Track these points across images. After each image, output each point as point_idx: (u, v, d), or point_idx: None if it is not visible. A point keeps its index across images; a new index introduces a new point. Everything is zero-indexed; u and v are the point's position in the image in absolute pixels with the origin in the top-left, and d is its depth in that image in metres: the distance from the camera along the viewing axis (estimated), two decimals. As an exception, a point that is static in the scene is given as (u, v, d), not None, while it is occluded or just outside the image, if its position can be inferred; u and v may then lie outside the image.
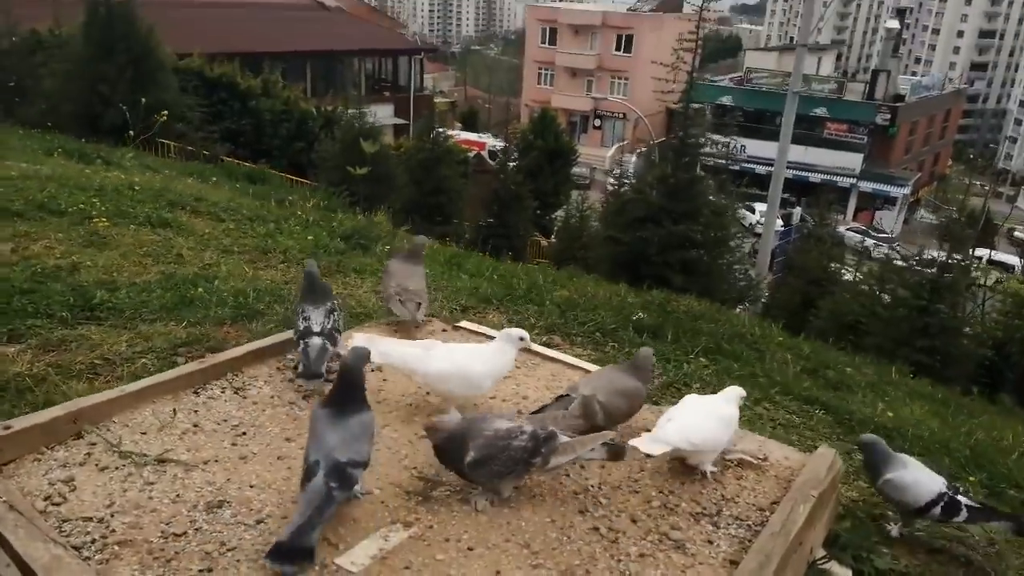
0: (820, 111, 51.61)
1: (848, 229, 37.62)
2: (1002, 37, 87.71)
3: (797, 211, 39.96)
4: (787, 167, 24.01)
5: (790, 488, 3.04)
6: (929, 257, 11.04)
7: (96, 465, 2.78)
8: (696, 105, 15.40)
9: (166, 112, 11.74)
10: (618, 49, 59.37)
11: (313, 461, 2.39)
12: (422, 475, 2.94)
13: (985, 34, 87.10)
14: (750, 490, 3.03)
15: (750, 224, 33.07)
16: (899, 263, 12.86)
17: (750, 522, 2.84)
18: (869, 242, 37.03)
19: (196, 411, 3.22)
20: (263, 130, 23.44)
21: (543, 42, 62.77)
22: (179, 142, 13.85)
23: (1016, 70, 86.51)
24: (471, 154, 31.19)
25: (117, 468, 2.80)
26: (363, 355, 2.61)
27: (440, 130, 20.85)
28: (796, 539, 2.69)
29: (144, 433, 3.03)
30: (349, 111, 20.75)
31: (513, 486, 2.68)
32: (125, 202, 7.55)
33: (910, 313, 10.06)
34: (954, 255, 10.71)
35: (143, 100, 11.55)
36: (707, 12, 15.88)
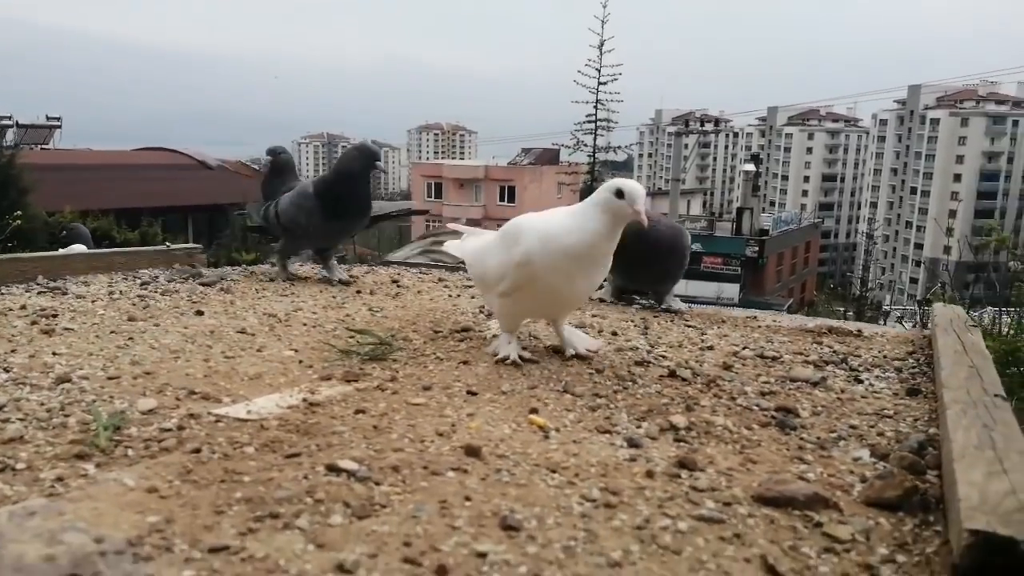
0: (696, 247, 54.48)
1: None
2: (842, 180, 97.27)
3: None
4: (673, 301, 24.54)
5: (916, 341, 2.05)
6: None
7: None
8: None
9: (20, 213, 10.19)
10: (502, 199, 61.21)
11: None
12: (368, 335, 1.77)
13: (827, 178, 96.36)
14: (865, 348, 2.02)
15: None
16: None
17: (895, 367, 1.81)
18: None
19: (-27, 300, 1.95)
20: (140, 280, 21.88)
21: (429, 196, 63.98)
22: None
23: (859, 208, 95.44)
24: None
25: None
26: None
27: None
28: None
29: None
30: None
31: None
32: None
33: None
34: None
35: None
36: (578, 165, 16.51)
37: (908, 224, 78.04)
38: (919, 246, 70.16)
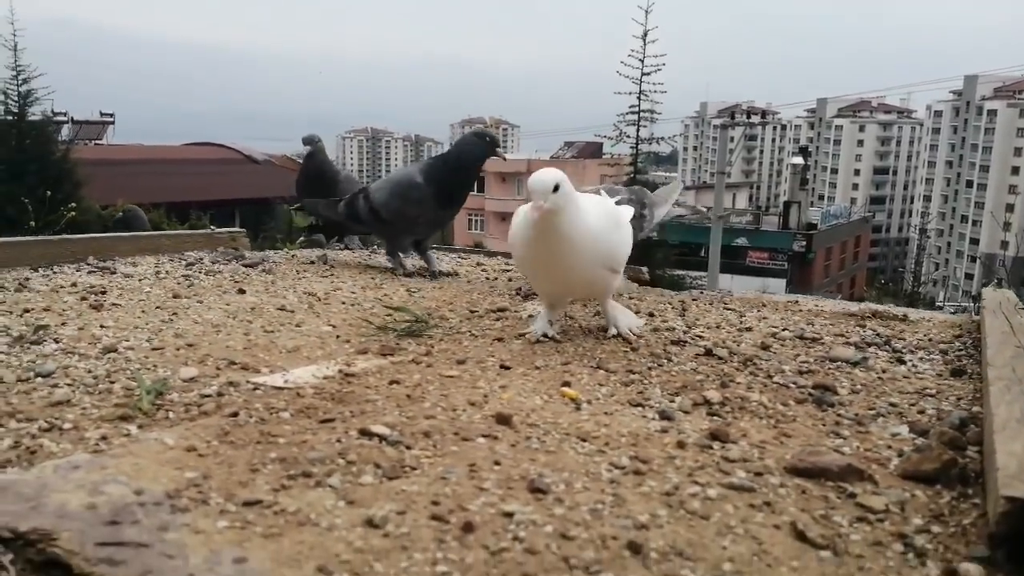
0: (741, 241, 53.46)
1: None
2: (895, 173, 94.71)
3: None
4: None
5: (964, 325, 2.00)
6: None
7: None
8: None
9: (74, 205, 10.50)
10: (544, 193, 61.06)
11: None
12: (404, 313, 1.79)
13: (879, 171, 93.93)
14: (911, 332, 1.97)
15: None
16: None
17: (941, 349, 1.77)
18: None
19: (27, 276, 2.02)
20: (189, 268, 22.56)
21: (471, 191, 64.31)
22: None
23: (911, 202, 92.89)
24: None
25: None
26: None
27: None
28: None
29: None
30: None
31: None
32: None
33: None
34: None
35: (48, 193, 10.31)
36: (620, 157, 16.25)
37: (963, 218, 75.59)
38: (975, 241, 67.88)
